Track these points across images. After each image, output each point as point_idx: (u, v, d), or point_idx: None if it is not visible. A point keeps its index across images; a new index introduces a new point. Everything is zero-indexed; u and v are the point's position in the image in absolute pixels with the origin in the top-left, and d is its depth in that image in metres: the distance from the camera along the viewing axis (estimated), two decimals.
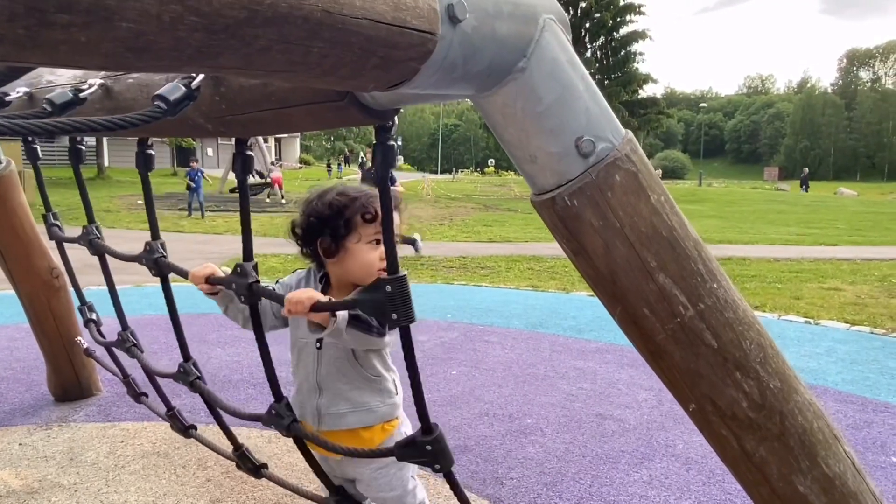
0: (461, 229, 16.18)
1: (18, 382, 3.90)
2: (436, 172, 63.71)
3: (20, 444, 3.04)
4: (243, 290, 1.47)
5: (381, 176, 1.24)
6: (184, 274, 1.68)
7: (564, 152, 0.99)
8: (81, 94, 1.30)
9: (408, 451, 1.47)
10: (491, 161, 54.63)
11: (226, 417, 2.19)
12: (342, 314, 1.43)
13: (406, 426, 1.76)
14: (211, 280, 1.64)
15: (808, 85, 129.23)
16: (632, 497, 2.56)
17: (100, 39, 0.50)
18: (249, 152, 1.45)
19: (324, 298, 1.41)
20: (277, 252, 10.08)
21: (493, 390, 3.81)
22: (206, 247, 11.50)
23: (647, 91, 38.06)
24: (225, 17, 0.55)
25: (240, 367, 4.23)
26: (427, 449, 1.42)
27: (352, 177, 38.46)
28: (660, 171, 53.15)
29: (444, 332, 5.18)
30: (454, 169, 64.99)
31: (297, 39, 0.63)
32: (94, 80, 1.37)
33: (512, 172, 41.55)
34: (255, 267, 1.52)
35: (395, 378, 1.75)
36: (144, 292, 6.99)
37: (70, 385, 3.54)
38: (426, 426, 1.42)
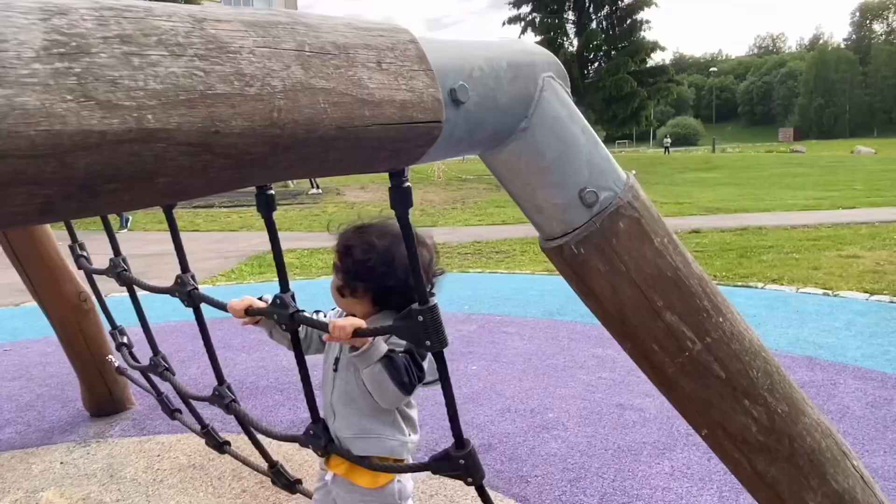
0: (474, 212, 16.21)
1: (54, 399, 4.03)
2: None
3: (62, 463, 3.17)
4: (285, 320, 1.53)
5: (400, 215, 1.28)
6: (220, 306, 1.74)
7: (569, 203, 1.04)
8: None
9: (442, 464, 1.53)
10: None
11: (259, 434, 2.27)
12: (380, 346, 1.52)
13: (407, 480, 1.78)
14: (250, 312, 1.69)
15: (821, 41, 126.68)
16: (655, 490, 2.63)
17: (141, 195, 0.55)
18: (270, 191, 1.49)
19: (365, 326, 1.47)
20: (294, 247, 10.16)
21: (513, 384, 3.88)
22: (222, 245, 11.63)
23: (655, 59, 37.60)
24: (250, 154, 0.60)
25: (266, 373, 4.33)
26: (460, 463, 1.49)
27: None
28: (669, 140, 52.55)
29: (463, 324, 5.25)
30: None
31: (314, 155, 0.68)
32: None
33: None
34: (293, 296, 1.58)
35: (412, 425, 1.75)
36: (167, 298, 7.11)
37: (104, 401, 3.66)
38: (459, 441, 1.49)
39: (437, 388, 1.71)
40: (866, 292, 6.18)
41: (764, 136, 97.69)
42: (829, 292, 6.24)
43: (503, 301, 6.09)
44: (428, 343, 1.34)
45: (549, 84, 1.02)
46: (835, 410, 3.39)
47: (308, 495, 2.21)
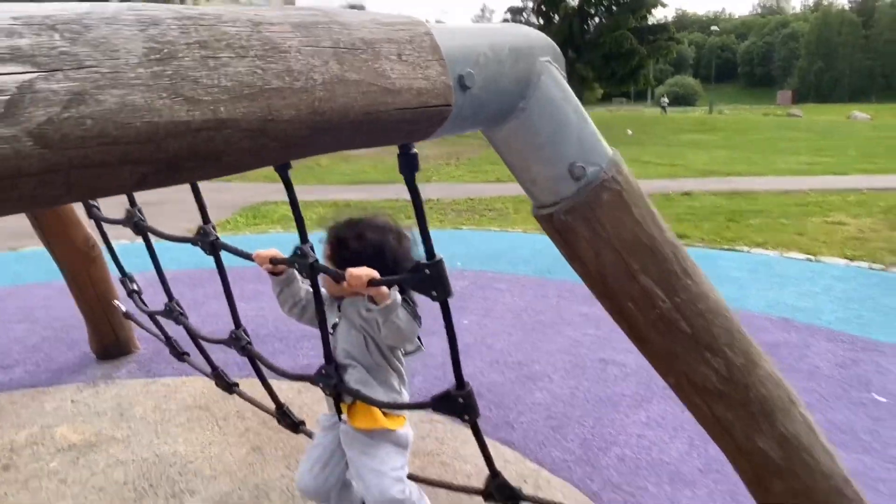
0: (468, 168, 16.23)
1: (60, 342, 4.18)
2: None
3: (72, 401, 3.33)
4: (306, 269, 1.68)
5: (408, 180, 1.40)
6: (244, 255, 1.89)
7: (559, 176, 1.17)
8: None
9: (442, 402, 1.70)
10: None
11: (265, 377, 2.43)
12: (396, 295, 1.69)
13: (409, 428, 2.00)
14: (274, 261, 1.85)
15: (826, 2, 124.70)
16: (630, 437, 2.83)
17: (210, 170, 0.67)
18: None
19: (378, 276, 1.63)
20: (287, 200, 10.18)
21: (503, 338, 4.06)
22: (216, 195, 11.61)
23: (656, 16, 37.00)
24: (296, 137, 0.72)
25: (265, 322, 4.48)
26: (459, 402, 1.66)
27: None
28: (667, 100, 52.20)
29: (456, 280, 5.33)
30: None
31: (345, 136, 0.80)
32: None
33: None
34: (312, 247, 1.73)
35: (403, 383, 1.98)
36: (164, 247, 7.22)
37: (110, 344, 3.82)
38: (460, 382, 1.66)
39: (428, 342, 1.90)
40: (847, 258, 6.36)
41: (763, 97, 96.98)
42: (812, 258, 6.43)
43: (495, 258, 6.24)
44: (434, 293, 1.49)
45: (546, 68, 1.14)
46: (805, 370, 3.60)
47: (309, 436, 2.38)
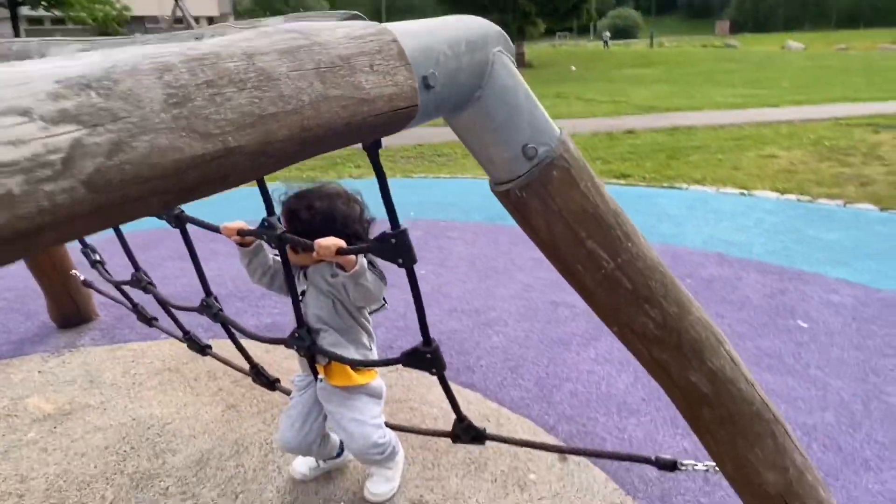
0: None
1: (16, 312, 4.15)
2: None
3: (40, 372, 3.37)
4: (274, 240, 1.78)
5: (373, 158, 1.50)
6: (211, 228, 1.96)
7: (514, 156, 1.29)
8: None
9: (411, 358, 1.86)
10: None
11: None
12: (363, 260, 1.80)
13: (380, 380, 2.18)
14: (242, 232, 1.93)
15: None
16: (581, 373, 3.08)
17: (216, 189, 0.77)
18: None
19: (345, 245, 1.76)
20: None
21: (459, 286, 4.24)
22: None
23: None
24: (289, 152, 0.82)
25: (224, 282, 4.53)
26: (427, 357, 1.82)
27: None
28: (608, 34, 52.22)
29: (410, 230, 5.49)
30: None
31: (329, 144, 0.90)
32: None
33: None
34: (279, 219, 1.83)
35: (372, 339, 2.13)
36: None
37: (71, 313, 3.83)
38: (426, 340, 1.81)
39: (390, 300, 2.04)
40: (778, 191, 6.74)
41: (702, 28, 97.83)
42: (746, 192, 6.78)
43: (447, 207, 6.37)
44: (400, 261, 1.62)
45: (498, 57, 1.25)
46: (736, 301, 3.91)
47: (286, 392, 2.52)
